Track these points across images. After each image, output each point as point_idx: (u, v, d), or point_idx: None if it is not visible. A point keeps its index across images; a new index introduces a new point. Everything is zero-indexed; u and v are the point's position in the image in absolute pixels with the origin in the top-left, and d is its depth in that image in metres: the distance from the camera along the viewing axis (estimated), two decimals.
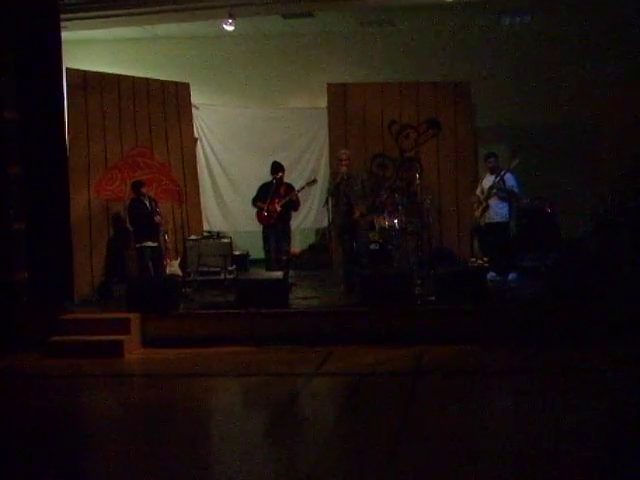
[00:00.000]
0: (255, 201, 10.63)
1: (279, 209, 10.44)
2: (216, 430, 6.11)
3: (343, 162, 10.19)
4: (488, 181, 10.60)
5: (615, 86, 11.25)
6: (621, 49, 11.84)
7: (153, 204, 10.49)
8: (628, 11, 11.51)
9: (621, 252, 9.97)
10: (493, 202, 10.48)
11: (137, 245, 10.50)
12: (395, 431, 5.53)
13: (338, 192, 10.12)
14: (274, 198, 10.44)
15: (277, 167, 10.60)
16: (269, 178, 10.61)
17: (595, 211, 10.93)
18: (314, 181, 10.88)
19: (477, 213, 10.77)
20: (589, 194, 11.24)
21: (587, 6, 11.42)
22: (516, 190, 10.52)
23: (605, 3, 11.15)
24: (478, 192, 10.77)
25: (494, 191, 10.43)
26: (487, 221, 10.61)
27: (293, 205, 10.65)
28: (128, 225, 10.76)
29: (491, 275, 10.14)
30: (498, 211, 10.50)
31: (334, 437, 5.57)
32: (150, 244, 10.42)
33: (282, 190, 10.55)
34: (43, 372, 7.97)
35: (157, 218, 10.40)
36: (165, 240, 10.54)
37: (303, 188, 10.69)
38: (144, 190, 10.47)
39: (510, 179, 10.47)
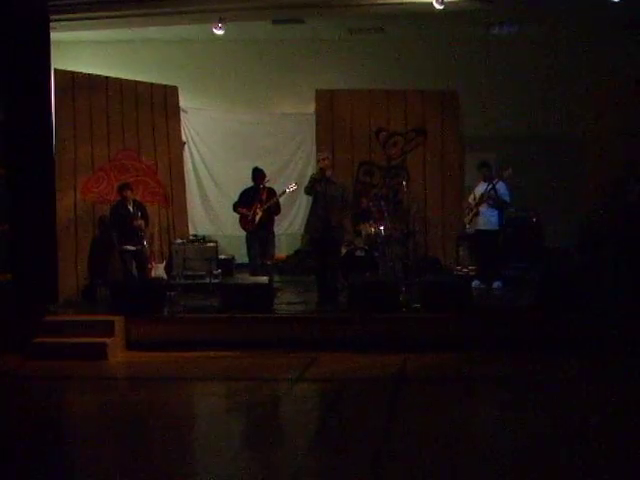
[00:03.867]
0: (236, 206, 10.65)
1: (260, 214, 10.48)
2: (199, 434, 6.09)
3: (320, 162, 10.06)
4: (481, 188, 10.64)
5: (602, 97, 11.30)
6: (607, 61, 11.92)
7: (135, 208, 10.38)
8: (615, 24, 11.61)
9: (605, 263, 10.03)
10: (484, 210, 10.54)
11: (119, 248, 10.46)
12: (377, 438, 5.54)
13: (315, 192, 9.95)
14: (257, 204, 10.48)
15: (259, 173, 10.64)
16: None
17: (580, 221, 11.00)
18: (294, 185, 10.89)
19: (467, 219, 10.83)
20: (575, 204, 11.29)
21: (575, 18, 11.52)
22: (507, 199, 10.57)
23: (592, 16, 11.24)
24: (470, 199, 10.81)
25: (485, 199, 10.48)
26: (477, 228, 10.67)
27: (273, 210, 10.67)
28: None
29: (475, 283, 10.19)
30: (489, 219, 10.54)
31: (316, 443, 5.58)
32: (130, 248, 10.35)
33: (264, 195, 10.59)
34: (26, 374, 7.93)
35: (137, 222, 10.28)
36: (144, 244, 10.36)
37: (284, 193, 10.72)
38: (127, 193, 10.36)
39: (502, 188, 10.53)
